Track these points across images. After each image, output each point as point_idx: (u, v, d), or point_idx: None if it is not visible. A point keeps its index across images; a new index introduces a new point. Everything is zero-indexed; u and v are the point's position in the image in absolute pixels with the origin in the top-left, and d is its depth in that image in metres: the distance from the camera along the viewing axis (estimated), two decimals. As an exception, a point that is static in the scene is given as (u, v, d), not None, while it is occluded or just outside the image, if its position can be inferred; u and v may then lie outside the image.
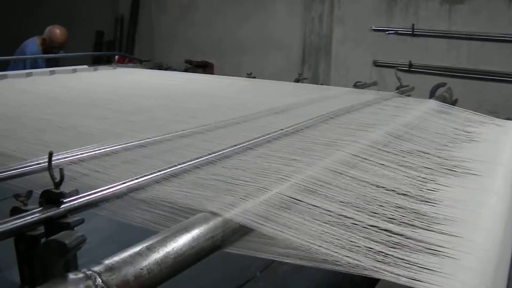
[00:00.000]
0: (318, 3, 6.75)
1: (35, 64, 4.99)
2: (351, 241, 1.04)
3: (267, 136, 1.75)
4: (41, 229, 0.96)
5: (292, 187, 1.24)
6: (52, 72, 3.48)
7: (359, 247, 1.02)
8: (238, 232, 1.03)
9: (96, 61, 7.16)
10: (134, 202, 1.13)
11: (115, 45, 8.22)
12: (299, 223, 1.08)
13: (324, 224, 1.09)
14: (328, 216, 1.14)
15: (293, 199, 1.19)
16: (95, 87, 3.16)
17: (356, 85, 3.32)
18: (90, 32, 8.35)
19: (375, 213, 1.20)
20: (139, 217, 1.09)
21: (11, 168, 1.23)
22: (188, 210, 1.08)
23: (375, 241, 1.05)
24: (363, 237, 1.07)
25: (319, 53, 6.82)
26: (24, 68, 4.81)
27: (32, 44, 5.22)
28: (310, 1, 6.82)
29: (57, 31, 5.21)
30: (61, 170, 0.93)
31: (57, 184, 0.94)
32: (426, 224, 1.19)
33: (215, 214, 1.03)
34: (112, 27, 8.30)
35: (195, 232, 0.94)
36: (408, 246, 1.06)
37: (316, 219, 1.11)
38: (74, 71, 3.65)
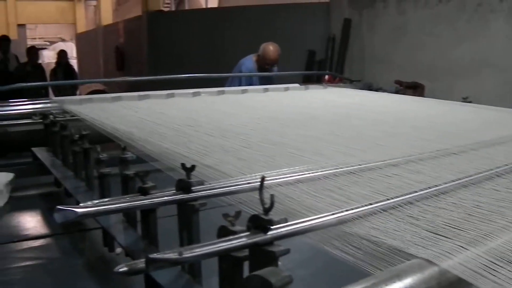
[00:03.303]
0: (547, 20, 6.05)
1: (250, 80, 5.24)
2: None
3: (490, 172, 1.56)
4: (246, 251, 0.95)
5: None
6: (266, 90, 3.60)
7: None
8: (456, 286, 0.90)
9: (306, 80, 7.34)
10: (342, 235, 1.05)
11: (326, 64, 8.34)
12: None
13: None
14: None
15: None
16: (309, 106, 3.17)
17: None
18: (302, 51, 8.60)
19: None
20: (347, 253, 1.01)
21: (223, 185, 1.25)
22: (399, 253, 0.97)
23: None
24: None
25: (549, 77, 6.11)
26: (240, 84, 5.08)
27: (249, 62, 5.47)
28: (537, 18, 6.16)
29: (270, 48, 5.35)
30: (271, 197, 0.90)
31: (267, 210, 0.91)
32: None
33: (430, 262, 0.92)
34: (323, 46, 8.44)
35: (407, 281, 0.83)
36: None
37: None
38: (287, 89, 3.73)
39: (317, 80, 7.11)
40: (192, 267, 1.20)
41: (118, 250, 1.79)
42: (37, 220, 2.46)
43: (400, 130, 2.40)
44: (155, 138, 2.00)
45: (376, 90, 4.45)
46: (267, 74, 5.19)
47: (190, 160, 1.55)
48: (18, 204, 2.61)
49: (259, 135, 2.14)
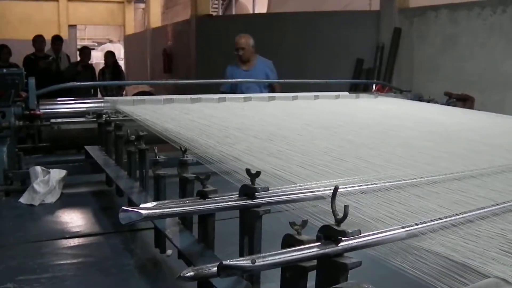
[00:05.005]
0: None
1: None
2: None
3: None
4: (313, 261, 0.92)
5: None
6: (316, 97, 3.57)
7: None
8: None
9: (353, 88, 7.26)
10: (409, 249, 1.02)
11: (374, 73, 8.23)
12: None
13: None
14: None
15: None
16: (360, 114, 3.12)
17: None
18: (350, 59, 8.52)
19: None
20: (413, 267, 0.98)
21: (287, 192, 1.23)
22: (473, 271, 0.93)
23: None
24: None
25: None
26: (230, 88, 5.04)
27: (229, 66, 5.55)
28: None
29: (239, 35, 5.47)
30: (345, 208, 0.87)
31: (339, 221, 0.88)
32: None
33: (507, 282, 0.88)
34: (372, 55, 8.34)
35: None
36: None
37: None
38: (337, 97, 3.70)
39: (364, 88, 7.03)
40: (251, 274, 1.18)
41: (169, 251, 1.79)
42: (88, 217, 2.49)
43: (459, 144, 2.33)
44: (203, 138, 2.00)
45: (428, 101, 4.35)
46: (334, 81, 5.06)
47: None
48: (69, 200, 2.66)
49: (304, 140, 2.12)
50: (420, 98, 4.55)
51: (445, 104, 4.57)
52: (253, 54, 5.49)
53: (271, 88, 5.20)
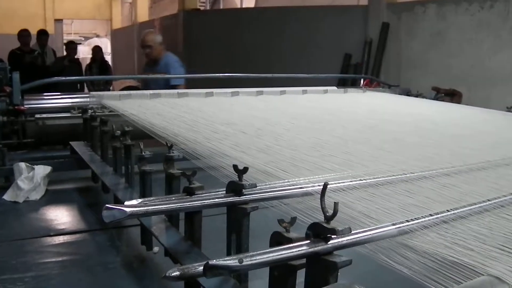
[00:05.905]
0: None
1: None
2: None
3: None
4: (302, 260, 0.90)
5: None
6: (304, 92, 3.55)
7: None
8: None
9: (341, 83, 7.26)
10: (400, 246, 1.00)
11: (362, 68, 8.23)
12: None
13: None
14: None
15: None
16: (348, 109, 3.11)
17: None
18: (339, 54, 8.52)
19: None
20: (404, 265, 0.96)
21: (275, 189, 1.21)
22: (464, 269, 0.92)
23: None
24: None
25: None
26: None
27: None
28: None
29: (145, 32, 5.37)
30: (335, 205, 0.85)
31: (329, 219, 0.86)
32: None
33: (501, 280, 0.86)
34: (360, 50, 8.34)
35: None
36: None
37: None
38: (325, 91, 3.68)
39: (352, 83, 7.03)
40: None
41: (156, 249, 1.76)
42: (74, 214, 2.45)
43: (448, 139, 2.32)
44: (190, 133, 1.97)
45: (416, 96, 4.35)
46: (322, 76, 4.97)
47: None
48: (54, 197, 2.62)
49: (292, 135, 2.10)
50: (408, 93, 4.55)
51: (433, 99, 4.57)
52: (162, 51, 5.20)
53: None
